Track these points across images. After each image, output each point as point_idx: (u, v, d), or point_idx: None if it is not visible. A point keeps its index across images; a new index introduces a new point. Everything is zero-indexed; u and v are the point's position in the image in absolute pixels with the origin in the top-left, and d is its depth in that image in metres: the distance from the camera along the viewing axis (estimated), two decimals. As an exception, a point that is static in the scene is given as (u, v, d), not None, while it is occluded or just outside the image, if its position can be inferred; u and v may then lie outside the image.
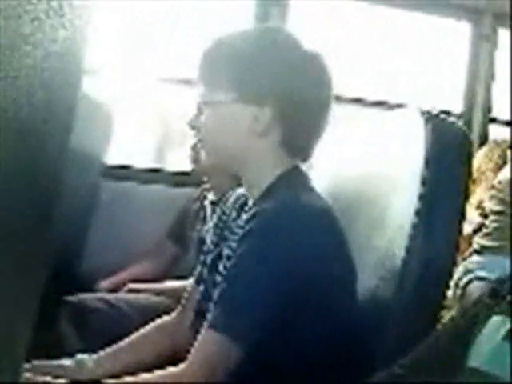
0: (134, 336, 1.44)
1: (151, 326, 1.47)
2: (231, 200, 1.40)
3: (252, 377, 1.14)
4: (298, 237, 1.13)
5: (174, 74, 2.92)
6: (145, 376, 1.16)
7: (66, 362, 1.35)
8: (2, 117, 0.51)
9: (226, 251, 1.27)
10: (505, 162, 2.28)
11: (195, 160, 2.12)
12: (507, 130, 3.03)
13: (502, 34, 3.10)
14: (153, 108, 3.22)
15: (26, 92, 0.54)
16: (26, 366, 1.22)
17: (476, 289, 1.80)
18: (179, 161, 2.99)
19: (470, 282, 1.83)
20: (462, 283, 1.86)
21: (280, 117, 1.22)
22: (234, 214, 1.35)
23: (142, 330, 1.46)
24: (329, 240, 1.17)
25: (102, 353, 1.40)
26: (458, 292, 1.87)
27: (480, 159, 2.32)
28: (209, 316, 1.14)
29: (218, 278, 1.24)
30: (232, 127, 1.24)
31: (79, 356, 1.37)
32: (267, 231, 1.13)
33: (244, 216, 1.24)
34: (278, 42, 1.25)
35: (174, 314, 1.47)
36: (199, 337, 1.14)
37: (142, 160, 3.15)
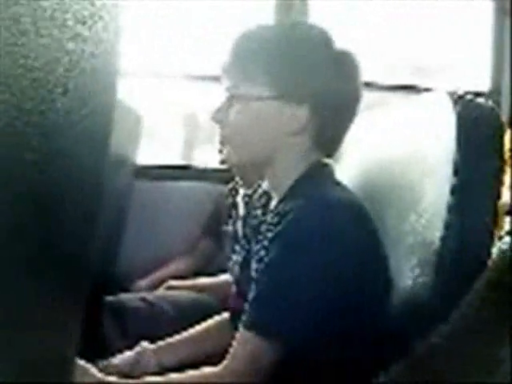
0: (193, 330, 1.46)
1: (210, 322, 1.48)
2: (256, 197, 1.38)
3: (289, 377, 1.14)
4: (328, 235, 1.12)
5: (200, 71, 2.93)
6: (182, 376, 1.17)
7: (127, 353, 1.38)
8: (40, 121, 0.52)
9: (255, 250, 1.26)
10: None
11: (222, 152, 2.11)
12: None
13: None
14: (181, 105, 3.23)
15: (60, 95, 0.55)
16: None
17: None
18: (209, 157, 3.01)
19: None
20: None
21: (315, 115, 1.21)
22: (260, 211, 1.34)
23: (202, 326, 1.47)
24: (359, 235, 1.16)
25: (161, 343, 1.42)
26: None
27: (510, 139, 2.29)
28: (244, 317, 1.14)
29: (251, 276, 1.23)
30: (267, 124, 1.21)
31: (142, 344, 1.39)
32: (297, 232, 1.12)
33: (270, 215, 1.22)
34: (312, 38, 1.24)
35: (225, 314, 1.49)
36: (236, 338, 1.14)
37: (172, 158, 3.18)
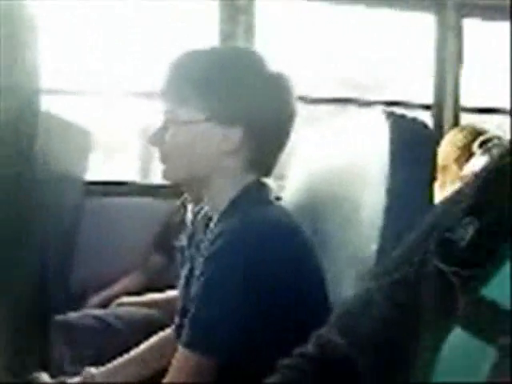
0: (139, 349, 1.48)
1: (155, 339, 1.50)
2: (199, 217, 1.41)
3: None
4: (261, 253, 1.14)
5: (151, 86, 2.95)
6: None
7: (74, 379, 1.38)
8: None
9: (195, 270, 1.27)
10: (468, 147, 2.29)
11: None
12: (478, 117, 3.09)
13: (466, 22, 3.14)
14: (136, 122, 3.25)
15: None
16: None
17: None
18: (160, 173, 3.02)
19: None
20: None
21: (249, 136, 1.23)
22: (202, 231, 1.37)
23: (148, 343, 1.49)
24: (291, 252, 1.18)
25: (108, 366, 1.43)
26: None
27: (445, 147, 2.34)
28: (183, 334, 1.17)
29: (190, 295, 1.25)
30: (200, 146, 1.24)
31: (86, 370, 1.40)
32: (230, 251, 1.15)
33: (208, 235, 1.25)
34: (245, 61, 1.26)
35: (171, 329, 1.49)
36: (175, 357, 1.17)
37: (129, 174, 3.19)
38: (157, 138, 1.28)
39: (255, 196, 1.26)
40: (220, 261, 1.15)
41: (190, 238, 1.42)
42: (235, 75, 1.24)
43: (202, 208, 1.42)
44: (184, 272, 1.38)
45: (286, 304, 1.16)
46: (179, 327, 1.34)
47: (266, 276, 1.14)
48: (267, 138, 1.26)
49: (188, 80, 1.23)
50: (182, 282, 1.39)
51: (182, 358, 1.15)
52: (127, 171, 3.29)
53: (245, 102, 1.23)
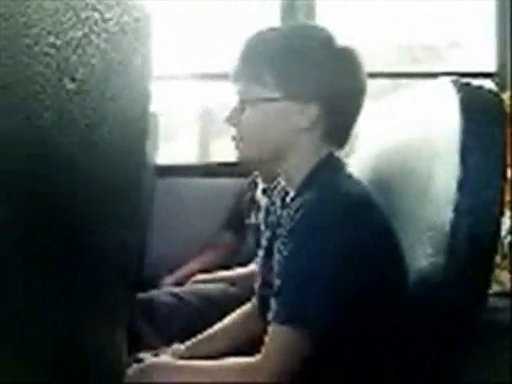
0: (221, 323, 1.52)
1: (236, 314, 1.54)
2: (275, 192, 1.44)
3: (324, 362, 1.19)
4: (339, 225, 1.16)
5: (211, 68, 2.98)
6: (223, 363, 1.22)
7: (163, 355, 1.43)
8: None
9: (276, 243, 1.31)
10: None
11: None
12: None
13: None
14: (194, 103, 3.28)
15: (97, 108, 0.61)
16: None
17: None
18: (224, 152, 3.06)
19: None
20: (506, 242, 1.89)
21: (324, 112, 1.26)
22: (279, 206, 1.40)
23: (230, 317, 1.53)
24: (368, 223, 1.21)
25: (193, 340, 1.48)
26: (505, 250, 1.90)
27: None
28: (272, 310, 1.19)
29: (272, 268, 1.28)
30: (277, 125, 1.27)
31: (174, 345, 1.45)
32: (310, 225, 1.17)
33: (287, 209, 1.27)
34: (315, 38, 1.29)
35: (250, 304, 1.54)
36: (268, 331, 1.19)
37: (188, 155, 3.23)
38: (233, 118, 1.31)
39: (331, 169, 1.29)
40: (300, 234, 1.17)
41: (267, 214, 1.46)
42: (308, 52, 1.27)
43: (276, 184, 1.45)
44: (263, 245, 1.42)
45: (370, 277, 1.18)
46: (262, 299, 1.38)
47: (349, 247, 1.16)
48: (341, 112, 1.30)
49: (262, 59, 1.26)
50: (261, 255, 1.43)
51: (272, 336, 1.17)
52: (186, 152, 3.32)
53: (318, 78, 1.26)
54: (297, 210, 1.19)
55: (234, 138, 2.10)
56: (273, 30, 1.32)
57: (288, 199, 1.32)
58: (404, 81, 3.09)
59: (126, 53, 0.62)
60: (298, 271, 1.17)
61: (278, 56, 1.26)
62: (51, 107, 0.55)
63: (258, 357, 1.18)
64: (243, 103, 1.30)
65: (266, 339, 1.18)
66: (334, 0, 3.04)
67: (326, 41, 1.29)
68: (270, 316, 1.19)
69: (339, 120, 1.30)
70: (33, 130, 0.54)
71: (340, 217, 1.17)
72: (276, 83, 1.26)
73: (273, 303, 1.19)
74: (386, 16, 3.17)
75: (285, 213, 1.29)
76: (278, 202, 1.39)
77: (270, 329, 1.18)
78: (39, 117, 0.54)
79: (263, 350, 1.18)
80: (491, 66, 3.10)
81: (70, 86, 0.57)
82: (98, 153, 0.63)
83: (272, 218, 1.41)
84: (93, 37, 0.59)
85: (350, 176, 1.31)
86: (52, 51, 0.54)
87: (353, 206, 1.20)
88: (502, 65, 3.07)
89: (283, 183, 1.38)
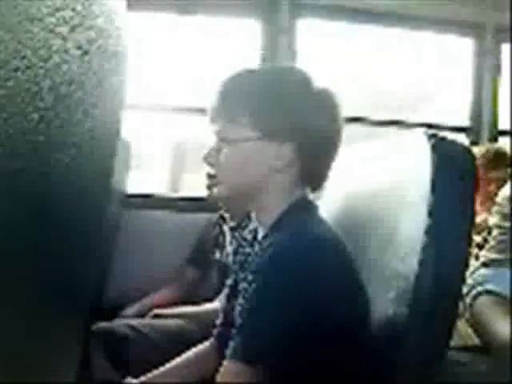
0: (178, 360, 1.50)
1: (193, 351, 1.52)
2: (245, 233, 1.44)
3: None
4: (310, 267, 1.16)
5: (185, 103, 2.99)
6: None
7: None
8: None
9: (242, 283, 1.30)
10: (493, 164, 2.41)
11: (211, 187, 2.17)
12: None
13: (505, 47, 3.15)
14: (166, 136, 3.29)
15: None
16: None
17: (485, 301, 1.85)
18: (194, 187, 3.06)
19: (479, 294, 1.88)
20: (470, 295, 1.91)
21: (299, 152, 1.27)
22: (248, 247, 1.39)
23: (187, 354, 1.51)
24: (335, 267, 1.20)
25: (148, 376, 1.46)
26: (467, 303, 1.92)
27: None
28: (229, 347, 1.17)
29: (236, 306, 1.27)
30: (253, 164, 1.28)
31: (128, 380, 1.42)
32: (278, 265, 1.16)
33: (256, 250, 1.28)
34: (294, 80, 1.30)
35: (208, 342, 1.52)
36: (221, 368, 1.17)
37: (158, 187, 3.22)
38: (211, 157, 1.32)
39: (303, 211, 1.29)
40: (269, 273, 1.16)
41: (235, 253, 1.45)
42: (284, 93, 1.28)
43: (245, 226, 1.45)
44: (229, 283, 1.41)
45: (334, 322, 1.17)
46: (221, 338, 1.36)
47: (316, 289, 1.15)
48: (317, 154, 1.30)
49: (239, 100, 1.27)
50: (226, 293, 1.41)
51: (226, 370, 1.16)
52: (156, 184, 3.32)
53: (295, 118, 1.26)
54: (265, 250, 1.19)
55: (209, 176, 2.12)
56: (250, 71, 1.33)
57: (259, 237, 1.32)
58: (376, 128, 3.12)
59: (101, 75, 0.61)
60: (259, 311, 1.16)
61: (255, 97, 1.27)
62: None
63: None
64: (221, 143, 1.30)
65: (220, 373, 1.17)
66: (315, 40, 3.07)
67: (304, 82, 1.29)
68: (226, 354, 1.18)
69: (314, 162, 1.30)
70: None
71: (308, 259, 1.16)
72: (253, 123, 1.26)
73: (232, 341, 1.18)
74: (364, 63, 3.22)
75: (253, 251, 1.28)
76: (248, 242, 1.39)
77: (224, 365, 1.17)
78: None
79: None
80: (464, 121, 3.15)
81: (41, 104, 0.56)
82: (63, 174, 0.61)
83: (240, 258, 1.40)
84: (68, 57, 0.58)
85: (320, 220, 1.31)
86: (24, 67, 0.53)
87: (322, 250, 1.20)
88: (476, 118, 3.12)
89: (254, 223, 1.37)
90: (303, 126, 1.27)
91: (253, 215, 1.36)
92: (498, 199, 2.10)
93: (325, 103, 1.30)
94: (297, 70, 1.33)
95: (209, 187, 2.19)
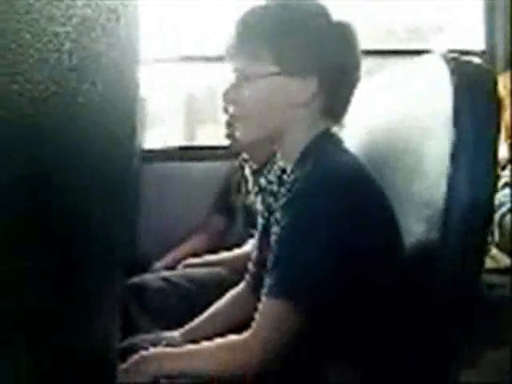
0: (214, 307, 1.52)
1: (228, 296, 1.53)
2: (272, 170, 1.43)
3: (314, 338, 1.18)
4: (337, 197, 1.15)
5: (196, 51, 2.96)
6: (212, 344, 1.21)
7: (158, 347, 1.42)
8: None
9: (273, 220, 1.31)
10: None
11: (231, 136, 2.17)
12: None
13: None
14: (179, 87, 3.26)
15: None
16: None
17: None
18: (210, 138, 3.06)
19: (504, 215, 1.86)
20: (496, 217, 1.89)
21: (322, 86, 1.26)
22: (277, 183, 1.39)
23: (222, 300, 1.53)
24: (365, 195, 1.20)
25: (186, 327, 1.48)
26: (496, 223, 1.90)
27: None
28: (265, 284, 1.18)
29: (269, 244, 1.27)
30: (277, 100, 1.26)
31: (168, 333, 1.44)
32: (307, 196, 1.16)
33: (284, 185, 1.27)
34: (311, 13, 1.27)
35: (242, 285, 1.53)
36: (259, 306, 1.18)
37: (174, 140, 3.22)
38: (231, 96, 1.30)
39: (328, 143, 1.28)
40: (296, 206, 1.16)
41: (263, 194, 1.45)
42: (305, 27, 1.26)
43: (270, 165, 1.44)
44: (260, 223, 1.41)
45: (367, 247, 1.16)
46: (256, 278, 1.37)
47: (347, 217, 1.15)
48: (338, 87, 1.29)
49: (259, 35, 1.25)
50: (258, 234, 1.42)
51: (264, 308, 1.16)
52: (172, 138, 3.31)
53: (316, 52, 1.25)
54: (294, 183, 1.18)
55: (228, 124, 2.10)
56: (267, 5, 1.30)
57: (285, 176, 1.32)
58: (390, 61, 3.07)
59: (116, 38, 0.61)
60: (294, 244, 1.16)
61: (275, 31, 1.25)
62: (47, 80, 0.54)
63: (247, 333, 1.18)
64: (240, 79, 1.28)
65: (257, 314, 1.18)
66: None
67: (323, 15, 1.28)
68: (262, 292, 1.18)
69: (337, 94, 1.29)
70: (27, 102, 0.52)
71: (337, 187, 1.16)
72: (274, 58, 1.24)
73: (267, 278, 1.18)
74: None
75: (282, 189, 1.28)
76: (275, 180, 1.39)
77: (262, 303, 1.17)
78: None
79: (253, 324, 1.17)
80: (479, 47, 3.09)
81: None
82: (87, 134, 0.61)
83: (269, 197, 1.40)
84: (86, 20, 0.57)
85: (346, 150, 1.30)
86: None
87: (350, 178, 1.20)
88: (491, 45, 3.06)
89: (279, 160, 1.37)
90: (325, 60, 1.25)
91: (278, 153, 1.36)
92: None
93: (345, 36, 1.28)
94: (313, 3, 1.31)
95: (228, 136, 2.19)
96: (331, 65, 1.26)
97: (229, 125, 2.14)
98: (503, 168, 2.04)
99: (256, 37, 1.25)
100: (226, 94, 1.30)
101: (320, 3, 1.30)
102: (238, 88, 1.28)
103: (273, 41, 1.24)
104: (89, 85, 0.59)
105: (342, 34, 1.28)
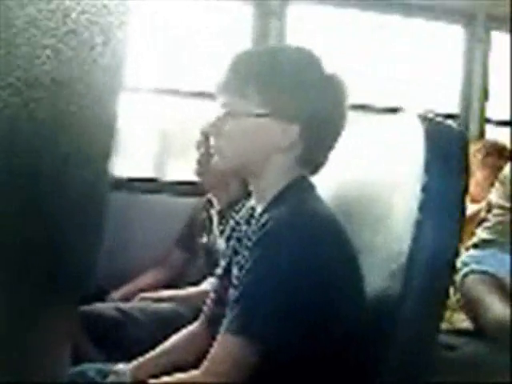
0: (167, 343, 1.49)
1: (183, 332, 1.51)
2: (242, 212, 1.43)
3: (268, 376, 1.17)
4: (307, 242, 1.17)
5: (172, 86, 2.97)
6: (165, 379, 1.21)
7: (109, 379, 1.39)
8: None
9: (237, 260, 1.30)
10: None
11: (201, 173, 2.17)
12: (503, 130, 3.09)
13: (495, 35, 3.15)
14: (152, 120, 3.26)
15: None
16: None
17: (474, 281, 1.83)
18: (180, 171, 3.05)
19: (466, 274, 1.86)
20: (460, 275, 1.89)
21: (304, 134, 1.27)
22: (245, 225, 1.39)
23: (176, 337, 1.50)
24: (336, 245, 1.21)
25: (137, 361, 1.45)
26: (457, 283, 1.90)
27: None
28: (224, 321, 1.18)
29: (230, 285, 1.27)
30: (258, 140, 1.28)
31: (118, 366, 1.41)
32: (278, 238, 1.17)
33: (253, 226, 1.27)
34: (303, 60, 1.30)
35: (197, 323, 1.51)
36: (216, 341, 1.17)
37: (144, 171, 3.20)
38: (216, 129, 1.31)
39: (302, 189, 1.29)
40: (265, 247, 1.17)
41: (229, 234, 1.44)
42: (296, 73, 1.28)
43: (241, 206, 1.44)
44: (223, 262, 1.41)
45: (329, 297, 1.17)
46: (213, 318, 1.35)
47: (313, 264, 1.16)
48: (320, 137, 1.30)
49: (250, 76, 1.27)
50: (219, 272, 1.41)
51: (221, 343, 1.16)
52: (141, 169, 3.30)
53: (304, 99, 1.27)
54: (263, 225, 1.19)
55: (198, 162, 2.10)
56: (261, 50, 1.33)
57: (256, 214, 1.32)
58: (368, 113, 3.12)
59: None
60: (257, 284, 1.16)
61: (267, 73, 1.27)
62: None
63: (202, 367, 1.17)
64: (227, 115, 1.29)
65: (214, 347, 1.17)
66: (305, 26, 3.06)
67: (316, 64, 1.30)
68: (221, 329, 1.18)
69: (317, 144, 1.30)
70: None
71: (306, 234, 1.17)
72: (262, 100, 1.26)
73: (227, 315, 1.18)
74: (352, 49, 3.21)
75: (250, 229, 1.28)
76: (244, 223, 1.39)
77: (220, 338, 1.17)
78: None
79: (208, 359, 1.17)
80: (453, 109, 3.15)
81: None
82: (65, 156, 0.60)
83: (235, 235, 1.40)
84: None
85: (318, 198, 1.31)
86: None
87: (319, 225, 1.21)
88: (465, 108, 3.12)
89: (253, 202, 1.37)
90: (311, 109, 1.27)
91: (252, 192, 1.36)
92: (500, 177, 2.05)
93: (334, 87, 1.30)
94: (309, 51, 1.33)
95: (198, 173, 2.19)
96: (316, 115, 1.27)
97: (199, 162, 2.15)
98: (479, 224, 2.04)
99: (246, 76, 1.27)
100: (211, 127, 1.32)
101: (313, 53, 1.31)
102: (223, 122, 1.29)
103: (262, 82, 1.26)
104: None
105: (330, 86, 1.29)
